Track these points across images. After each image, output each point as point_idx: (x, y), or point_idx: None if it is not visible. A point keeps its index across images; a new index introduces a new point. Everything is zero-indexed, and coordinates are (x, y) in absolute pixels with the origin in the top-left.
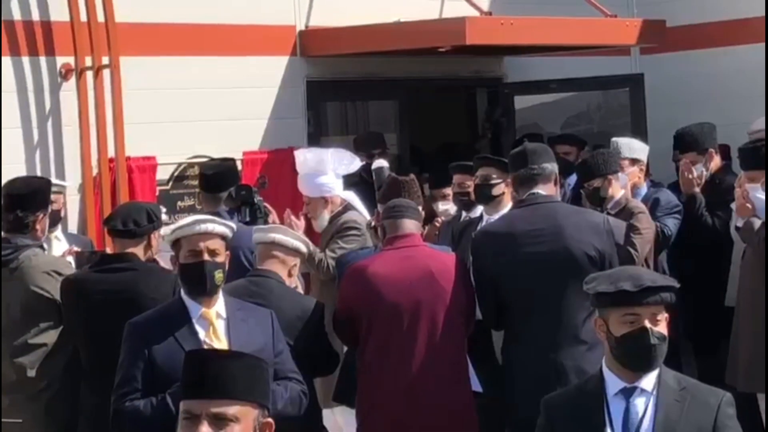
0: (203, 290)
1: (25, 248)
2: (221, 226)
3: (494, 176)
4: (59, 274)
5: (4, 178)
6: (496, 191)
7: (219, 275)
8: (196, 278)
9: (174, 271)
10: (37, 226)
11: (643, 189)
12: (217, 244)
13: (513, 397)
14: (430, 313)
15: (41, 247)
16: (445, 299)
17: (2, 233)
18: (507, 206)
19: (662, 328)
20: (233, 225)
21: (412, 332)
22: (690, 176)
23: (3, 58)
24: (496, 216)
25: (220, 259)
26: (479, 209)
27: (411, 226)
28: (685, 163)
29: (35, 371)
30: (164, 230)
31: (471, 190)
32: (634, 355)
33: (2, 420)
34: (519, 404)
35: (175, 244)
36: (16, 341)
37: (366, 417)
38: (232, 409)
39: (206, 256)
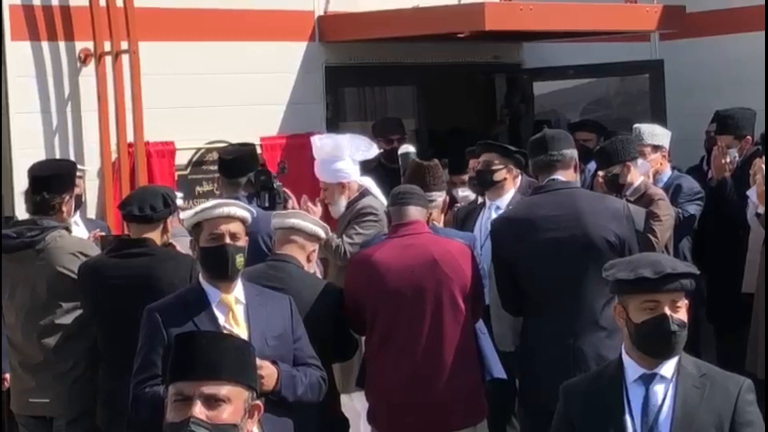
0: (225, 274)
1: (51, 230)
2: (242, 210)
3: (496, 162)
4: (85, 255)
5: (23, 163)
6: (497, 177)
7: (240, 259)
8: (218, 262)
9: (194, 255)
10: (63, 208)
11: (666, 175)
12: (238, 228)
13: (530, 384)
14: (434, 299)
15: (67, 228)
16: (449, 286)
17: (29, 215)
18: (510, 192)
19: (682, 315)
20: (253, 210)
21: (416, 319)
22: (723, 161)
23: (22, 43)
24: (499, 202)
25: (241, 243)
26: None
27: (415, 213)
28: (720, 147)
29: (60, 352)
30: (185, 214)
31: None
32: (654, 341)
33: (29, 399)
34: (537, 390)
35: (196, 227)
36: (42, 321)
37: (374, 403)
38: (223, 390)
39: (228, 240)
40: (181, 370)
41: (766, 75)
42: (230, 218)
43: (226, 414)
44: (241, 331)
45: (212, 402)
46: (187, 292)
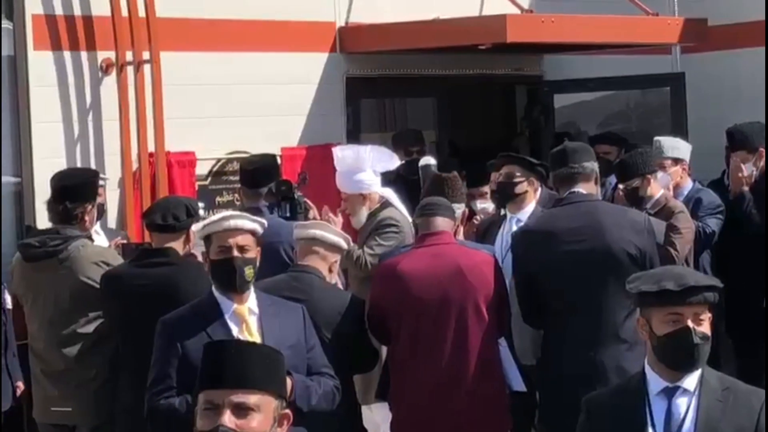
0: (233, 286)
1: (73, 239)
2: (251, 222)
3: (517, 174)
4: (108, 264)
5: (44, 172)
6: (518, 189)
7: (249, 271)
8: (226, 274)
9: (206, 267)
10: (86, 217)
11: (687, 188)
12: (247, 240)
13: (551, 397)
14: (459, 309)
15: (89, 237)
16: (474, 296)
17: (51, 224)
18: (531, 205)
19: (705, 328)
20: (264, 221)
21: (441, 329)
22: (740, 174)
23: (45, 52)
24: (520, 214)
25: (250, 255)
26: None
27: (442, 224)
28: (735, 161)
29: (83, 360)
30: (195, 226)
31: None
32: (677, 354)
33: (52, 408)
34: (557, 404)
35: (207, 239)
36: (64, 330)
37: (398, 414)
38: (253, 399)
39: (235, 252)
40: (210, 378)
41: (766, 90)
42: (238, 231)
43: (255, 423)
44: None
45: (241, 411)
46: (201, 304)
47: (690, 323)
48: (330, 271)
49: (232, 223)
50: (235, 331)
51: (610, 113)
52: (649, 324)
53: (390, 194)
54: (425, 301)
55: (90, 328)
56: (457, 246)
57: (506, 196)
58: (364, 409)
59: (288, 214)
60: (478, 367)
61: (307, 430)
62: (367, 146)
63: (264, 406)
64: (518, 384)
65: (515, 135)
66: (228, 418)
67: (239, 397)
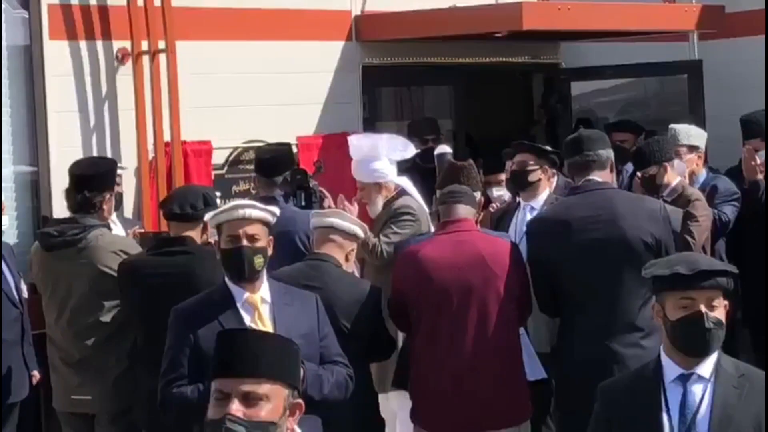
0: (242, 275)
1: (92, 228)
2: (261, 211)
3: (531, 162)
4: (126, 253)
5: (61, 162)
6: (532, 177)
7: (259, 260)
8: (235, 263)
9: (217, 256)
10: (104, 206)
11: (702, 176)
12: (256, 230)
13: (566, 385)
14: (481, 297)
15: (108, 227)
16: (496, 284)
17: (70, 213)
18: (545, 193)
19: (719, 314)
20: (276, 210)
21: (462, 316)
22: (753, 163)
23: (60, 42)
24: (533, 202)
25: (260, 244)
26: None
27: (464, 211)
28: (749, 149)
29: (102, 349)
30: (208, 215)
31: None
32: (690, 339)
33: (72, 396)
34: (573, 391)
35: (218, 228)
36: (83, 319)
37: (418, 400)
38: (262, 388)
39: (245, 242)
40: (221, 367)
41: (766, 79)
42: (247, 220)
43: (264, 412)
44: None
45: (251, 400)
46: (213, 293)
47: (702, 308)
48: (347, 259)
49: (242, 212)
50: (247, 319)
51: (627, 101)
52: (663, 309)
53: (405, 183)
54: (447, 288)
55: (109, 317)
56: (479, 233)
57: (520, 185)
58: (381, 397)
59: (303, 203)
60: (499, 355)
61: (322, 419)
62: (382, 135)
63: (274, 396)
64: (536, 372)
65: (532, 123)
66: (236, 407)
67: (248, 386)
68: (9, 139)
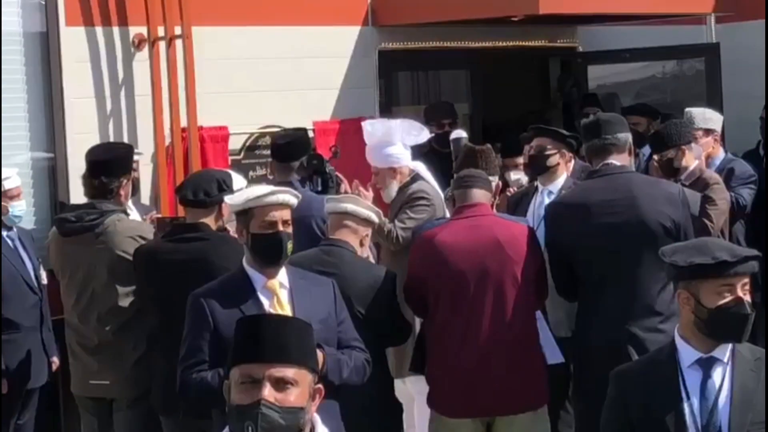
0: (278, 260)
1: (109, 213)
2: (293, 197)
3: (549, 147)
4: (143, 238)
5: (78, 148)
6: (550, 162)
7: (291, 245)
8: (272, 249)
9: (241, 240)
10: (121, 192)
11: (718, 159)
12: (289, 215)
13: (584, 369)
14: (497, 281)
15: (125, 212)
16: (512, 268)
17: (87, 198)
18: (562, 177)
19: (749, 298)
20: (300, 195)
21: (479, 300)
22: None
23: (77, 28)
24: (551, 186)
25: (290, 229)
26: None
27: (480, 195)
28: None
29: (120, 334)
30: (231, 199)
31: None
32: (730, 326)
33: (90, 381)
34: (591, 376)
35: (244, 213)
36: (101, 304)
37: (435, 385)
38: (291, 372)
39: (281, 227)
40: (249, 352)
41: (766, 62)
42: (282, 205)
43: (293, 397)
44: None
45: (281, 384)
46: (232, 278)
47: (740, 293)
48: (361, 244)
49: (279, 198)
50: (266, 304)
51: (645, 84)
52: (696, 297)
53: (420, 167)
54: (463, 273)
55: (127, 302)
56: (495, 218)
57: (538, 169)
58: (398, 382)
59: (319, 188)
60: (516, 339)
61: (339, 403)
62: (396, 120)
63: (301, 381)
64: (554, 356)
65: (549, 107)
66: (269, 392)
67: (279, 371)
68: (26, 125)
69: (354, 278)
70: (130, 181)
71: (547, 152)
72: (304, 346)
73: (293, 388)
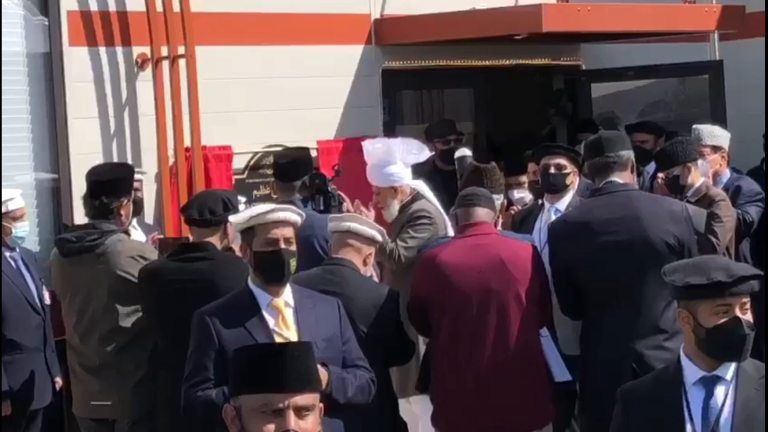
0: (280, 278)
1: (110, 234)
2: (295, 214)
3: (566, 166)
4: (144, 258)
5: (81, 168)
6: (569, 180)
7: (294, 263)
8: (274, 267)
9: (245, 259)
10: (122, 212)
11: (725, 176)
12: (291, 233)
13: (590, 387)
14: (501, 300)
15: (126, 232)
16: (515, 287)
17: (88, 219)
18: (569, 194)
19: (749, 317)
20: (303, 213)
21: (483, 320)
22: None
23: (80, 48)
24: (558, 204)
25: (293, 247)
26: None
27: (482, 214)
28: None
29: (122, 354)
30: (234, 218)
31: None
32: (728, 346)
33: (92, 402)
34: (596, 394)
35: (247, 231)
36: (102, 325)
37: (439, 405)
38: (311, 398)
39: (282, 245)
40: (267, 381)
41: (766, 81)
42: (284, 223)
43: (310, 423)
44: (291, 335)
45: (302, 412)
46: (237, 296)
47: (738, 313)
48: (365, 263)
49: (280, 215)
50: (271, 323)
51: (648, 102)
52: (694, 316)
53: (421, 186)
54: (466, 292)
55: (128, 323)
56: (498, 237)
57: (557, 187)
58: (402, 401)
59: (322, 207)
60: (519, 358)
61: (343, 422)
62: (397, 139)
63: (314, 405)
64: (561, 374)
65: (551, 125)
66: (294, 422)
67: (303, 399)
68: (30, 146)
69: (357, 297)
70: (131, 201)
71: (566, 171)
72: (315, 369)
73: (310, 414)
